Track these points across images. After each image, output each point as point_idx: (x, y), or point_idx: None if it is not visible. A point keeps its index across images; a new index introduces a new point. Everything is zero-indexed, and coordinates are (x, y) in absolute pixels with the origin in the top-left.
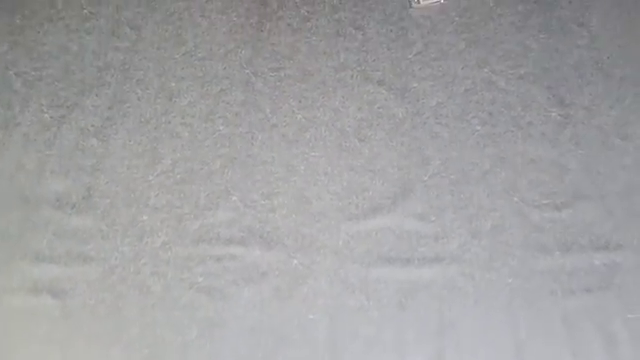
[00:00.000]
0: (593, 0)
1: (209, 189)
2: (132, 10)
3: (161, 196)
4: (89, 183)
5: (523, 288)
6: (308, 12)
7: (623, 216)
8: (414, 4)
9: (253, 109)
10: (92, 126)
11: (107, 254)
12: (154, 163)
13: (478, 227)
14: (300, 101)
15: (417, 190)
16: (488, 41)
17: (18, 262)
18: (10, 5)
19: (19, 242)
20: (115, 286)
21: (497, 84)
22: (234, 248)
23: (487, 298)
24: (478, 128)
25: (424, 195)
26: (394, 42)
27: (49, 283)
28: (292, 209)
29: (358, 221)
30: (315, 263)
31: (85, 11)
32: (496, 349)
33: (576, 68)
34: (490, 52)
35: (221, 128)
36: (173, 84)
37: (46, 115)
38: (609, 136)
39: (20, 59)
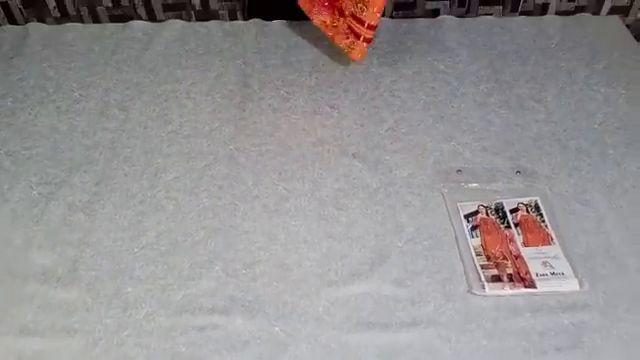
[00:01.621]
0: (548, 79)
1: (192, 259)
2: (121, 92)
3: (145, 267)
4: (75, 256)
5: (497, 349)
6: (287, 93)
7: (588, 277)
8: (478, 292)
9: (236, 182)
10: (79, 201)
11: (91, 326)
12: (139, 235)
13: (452, 291)
14: (280, 173)
15: (393, 256)
16: (453, 117)
17: (2, 336)
18: (2, 89)
19: (3, 316)
20: (98, 358)
21: (463, 155)
22: (216, 317)
23: None
24: (448, 196)
25: (399, 261)
26: (367, 119)
27: (33, 356)
28: (273, 277)
29: (337, 287)
30: (296, 330)
31: (75, 94)
32: None
33: (535, 140)
34: (456, 127)
35: (205, 201)
36: (159, 160)
37: (34, 192)
38: (570, 202)
39: (11, 139)
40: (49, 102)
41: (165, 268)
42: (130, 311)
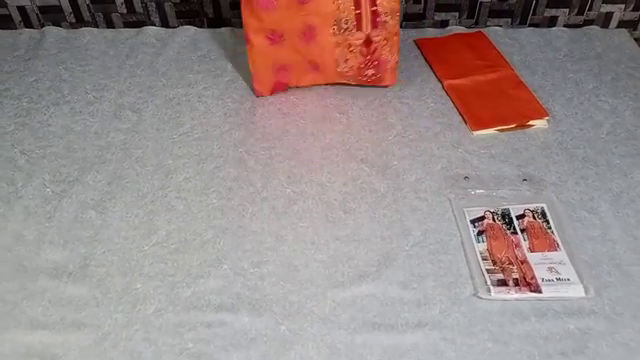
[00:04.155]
0: (556, 90)
1: (201, 258)
2: (134, 95)
3: (155, 265)
4: (86, 253)
5: (502, 352)
6: (296, 98)
7: (593, 284)
8: (484, 296)
9: (245, 184)
10: (91, 200)
11: (100, 321)
12: (149, 234)
13: (458, 294)
14: (289, 177)
15: (399, 259)
16: (461, 125)
17: (12, 329)
18: (18, 90)
19: (14, 310)
20: (107, 352)
21: (471, 162)
22: (224, 315)
23: None
24: (455, 202)
25: (406, 264)
26: (375, 125)
27: (42, 349)
28: (280, 277)
29: (344, 288)
30: (302, 329)
31: (90, 96)
32: None
33: (543, 149)
34: (463, 135)
35: (214, 201)
36: (170, 161)
37: (48, 190)
38: (576, 210)
39: (25, 138)
40: (64, 103)
41: (174, 266)
42: (139, 307)
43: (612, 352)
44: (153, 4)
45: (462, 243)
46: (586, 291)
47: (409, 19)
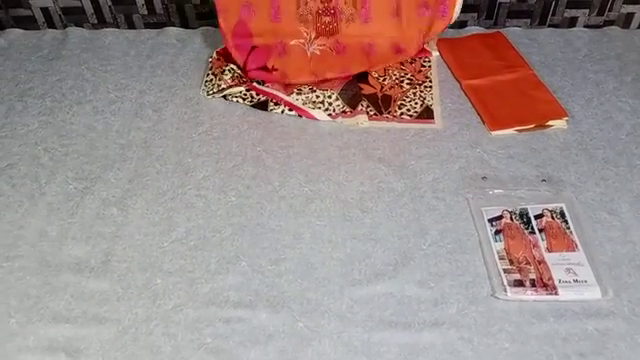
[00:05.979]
0: (576, 90)
1: (220, 255)
2: (155, 95)
3: (175, 261)
4: (108, 249)
5: (520, 352)
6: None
7: (612, 285)
8: (500, 296)
9: (263, 182)
10: (113, 197)
11: (121, 315)
12: (169, 231)
13: (475, 293)
14: (307, 175)
15: (416, 258)
16: (479, 125)
17: (35, 323)
18: (41, 90)
19: (38, 304)
20: (127, 346)
21: (489, 162)
22: (242, 311)
23: None
24: (473, 201)
25: (423, 263)
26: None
27: (64, 343)
28: (298, 274)
29: (361, 286)
30: (319, 326)
31: (111, 95)
32: None
33: (562, 149)
34: (481, 135)
35: (233, 199)
36: (190, 160)
37: (71, 186)
38: (596, 211)
39: (49, 136)
40: (86, 102)
41: (193, 262)
42: (159, 302)
43: (631, 353)
44: (174, 5)
45: (480, 243)
46: (603, 293)
47: None
